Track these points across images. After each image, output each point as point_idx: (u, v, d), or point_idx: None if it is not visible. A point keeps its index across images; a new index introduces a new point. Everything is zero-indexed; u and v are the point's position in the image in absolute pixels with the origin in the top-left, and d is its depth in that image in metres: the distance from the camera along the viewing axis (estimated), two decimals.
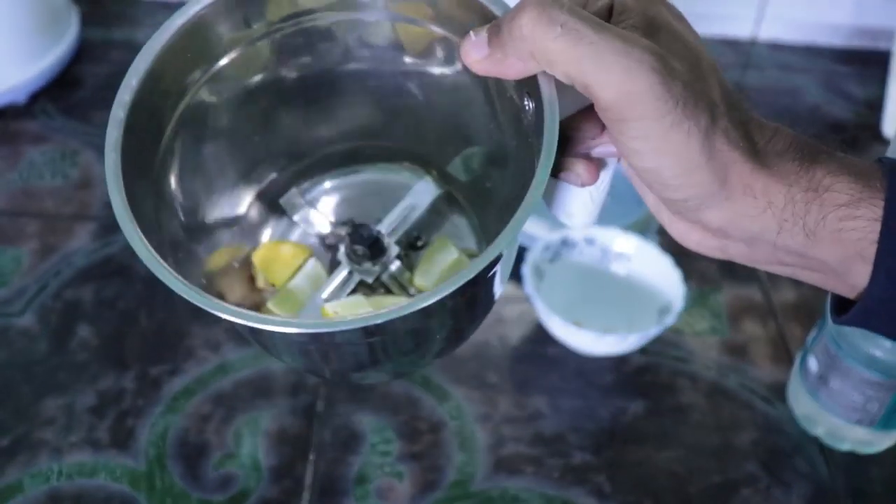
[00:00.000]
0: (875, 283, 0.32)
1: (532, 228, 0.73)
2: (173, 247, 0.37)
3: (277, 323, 0.32)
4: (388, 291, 0.44)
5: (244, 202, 0.44)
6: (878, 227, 0.31)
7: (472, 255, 0.43)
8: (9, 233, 0.76)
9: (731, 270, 0.77)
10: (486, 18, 0.34)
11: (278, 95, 0.42)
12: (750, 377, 0.69)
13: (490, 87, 0.38)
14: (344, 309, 0.42)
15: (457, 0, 0.36)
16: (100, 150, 0.84)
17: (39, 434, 0.61)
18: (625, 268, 0.73)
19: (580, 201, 0.37)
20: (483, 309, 0.39)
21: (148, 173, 0.37)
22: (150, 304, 0.70)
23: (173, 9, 0.36)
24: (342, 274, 0.43)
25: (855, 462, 0.64)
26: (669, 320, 0.66)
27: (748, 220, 0.33)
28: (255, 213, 0.44)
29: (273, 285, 0.44)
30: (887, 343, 0.57)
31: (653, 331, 0.65)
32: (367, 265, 0.43)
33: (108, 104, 0.34)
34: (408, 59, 0.40)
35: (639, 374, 0.69)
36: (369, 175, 0.46)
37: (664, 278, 0.70)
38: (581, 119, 0.35)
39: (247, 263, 0.44)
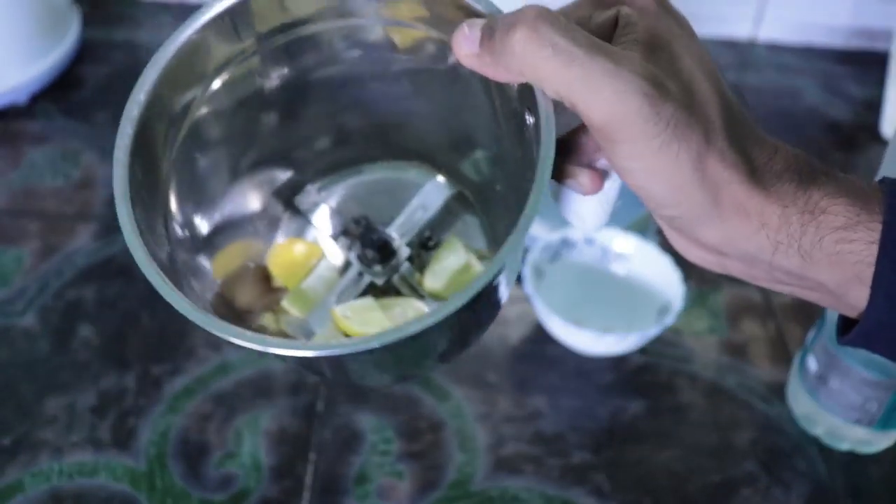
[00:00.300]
0: (873, 307, 0.32)
1: (532, 229, 0.73)
2: (184, 253, 0.37)
3: (275, 345, 0.32)
4: (399, 293, 0.44)
5: (255, 203, 0.44)
6: (875, 250, 0.31)
7: (482, 257, 0.43)
8: (10, 233, 0.76)
9: None
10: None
11: (284, 104, 0.42)
12: (749, 377, 0.69)
13: (494, 96, 0.38)
14: (354, 312, 0.42)
15: (449, 3, 0.36)
16: (101, 150, 0.84)
17: (40, 433, 0.61)
18: (624, 268, 0.73)
19: (590, 206, 0.38)
20: (488, 316, 0.39)
21: (155, 186, 0.37)
22: (151, 303, 0.70)
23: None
24: (353, 275, 0.43)
25: (854, 462, 0.64)
26: (669, 320, 0.66)
27: (742, 240, 0.32)
28: (268, 214, 0.44)
29: (286, 286, 0.44)
30: None
31: (652, 331, 0.65)
32: (378, 268, 0.43)
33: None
34: (404, 58, 0.40)
35: (638, 374, 0.69)
36: (381, 174, 0.46)
37: (664, 278, 0.70)
38: (582, 133, 0.35)
39: (261, 264, 0.44)
